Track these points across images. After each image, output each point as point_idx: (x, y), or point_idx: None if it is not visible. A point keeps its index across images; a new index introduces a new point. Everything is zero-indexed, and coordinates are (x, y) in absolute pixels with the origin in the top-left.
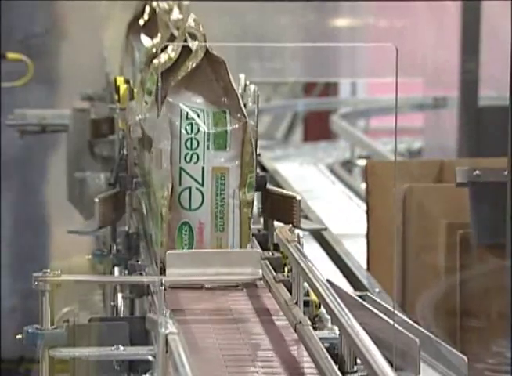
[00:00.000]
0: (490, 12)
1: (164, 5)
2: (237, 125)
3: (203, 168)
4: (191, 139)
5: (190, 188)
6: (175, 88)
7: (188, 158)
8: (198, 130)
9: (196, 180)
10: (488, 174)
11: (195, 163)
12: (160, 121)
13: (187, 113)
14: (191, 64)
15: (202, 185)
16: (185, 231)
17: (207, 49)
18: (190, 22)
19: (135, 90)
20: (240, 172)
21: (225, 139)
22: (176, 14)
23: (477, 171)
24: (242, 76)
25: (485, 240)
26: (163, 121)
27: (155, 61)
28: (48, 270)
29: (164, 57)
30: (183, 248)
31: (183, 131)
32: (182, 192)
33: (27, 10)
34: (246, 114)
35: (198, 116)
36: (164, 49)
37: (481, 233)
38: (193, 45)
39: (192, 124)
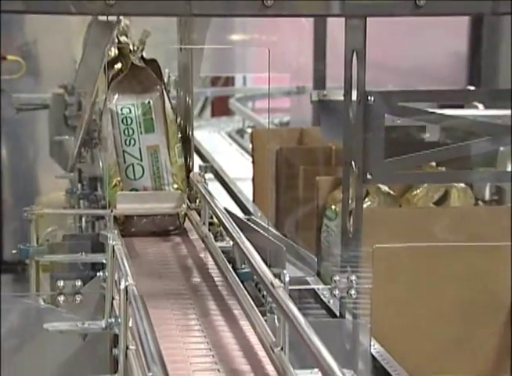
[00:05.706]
0: (333, 29)
1: (124, 38)
2: (157, 95)
3: (140, 149)
4: (127, 128)
5: (133, 164)
6: (112, 93)
7: (127, 142)
8: (131, 121)
9: (136, 158)
10: (332, 94)
11: (133, 145)
12: (104, 119)
13: (121, 109)
14: (121, 74)
15: (141, 160)
16: None
17: (132, 63)
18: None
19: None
20: (167, 145)
21: (152, 124)
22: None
23: (324, 92)
24: (166, 70)
25: (330, 137)
26: (105, 118)
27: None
28: (34, 205)
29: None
30: None
31: (121, 123)
32: (128, 168)
33: (22, 23)
34: (165, 83)
35: (130, 111)
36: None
37: (326, 133)
38: (135, 61)
39: (126, 117)
